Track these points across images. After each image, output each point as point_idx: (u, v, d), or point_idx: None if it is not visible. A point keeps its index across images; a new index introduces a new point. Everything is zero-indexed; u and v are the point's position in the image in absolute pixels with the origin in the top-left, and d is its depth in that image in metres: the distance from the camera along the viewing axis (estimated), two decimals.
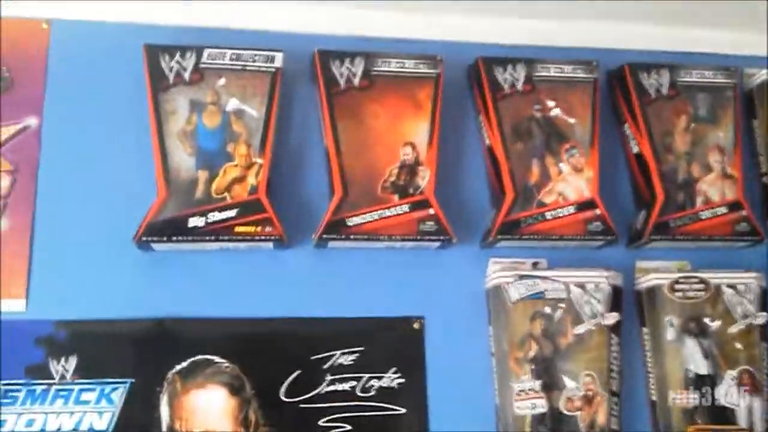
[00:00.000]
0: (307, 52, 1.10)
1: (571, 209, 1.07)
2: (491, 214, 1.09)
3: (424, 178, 1.06)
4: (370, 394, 1.01)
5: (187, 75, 1.04)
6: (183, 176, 1.01)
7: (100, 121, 1.07)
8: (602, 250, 1.11)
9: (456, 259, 1.08)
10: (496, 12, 1.18)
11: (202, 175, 1.02)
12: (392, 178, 1.05)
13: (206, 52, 1.06)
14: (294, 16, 1.14)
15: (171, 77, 1.04)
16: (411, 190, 1.05)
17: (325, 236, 1.01)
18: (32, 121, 1.06)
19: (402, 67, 1.10)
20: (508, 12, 1.18)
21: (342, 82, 1.08)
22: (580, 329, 1.01)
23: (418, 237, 1.03)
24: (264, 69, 1.07)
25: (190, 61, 1.05)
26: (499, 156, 1.08)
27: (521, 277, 1.02)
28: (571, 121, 1.12)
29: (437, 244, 1.05)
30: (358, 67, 1.09)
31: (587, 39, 1.21)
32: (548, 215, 1.06)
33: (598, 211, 1.07)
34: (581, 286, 1.03)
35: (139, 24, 1.10)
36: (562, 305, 1.02)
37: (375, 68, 1.09)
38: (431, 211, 1.04)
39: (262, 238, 1.00)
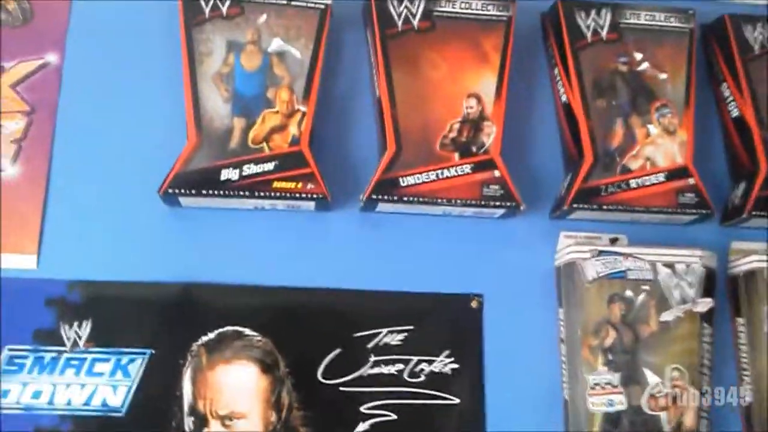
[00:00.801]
0: None
1: (661, 177, 0.93)
2: (565, 180, 0.95)
3: (490, 135, 0.92)
4: (419, 379, 0.88)
5: (224, 9, 0.93)
6: (217, 123, 0.89)
7: (128, 60, 0.96)
8: (690, 227, 0.97)
9: (522, 230, 0.95)
10: None
11: (239, 123, 0.90)
12: (453, 134, 0.92)
13: None
14: None
15: (207, 11, 0.92)
16: (474, 149, 0.92)
17: (374, 197, 0.88)
18: (53, 58, 0.95)
19: (468, 8, 0.96)
20: None
21: (399, 23, 0.95)
22: (668, 316, 0.87)
23: (481, 202, 0.90)
24: (312, 5, 0.94)
25: None
26: (577, 114, 0.94)
27: (600, 252, 0.89)
28: (662, 76, 0.97)
29: (501, 211, 0.92)
30: (418, 5, 0.95)
31: None
32: (633, 183, 0.92)
33: (692, 181, 0.93)
34: (670, 266, 0.88)
35: None
36: (646, 288, 0.88)
37: (437, 8, 0.96)
38: (497, 173, 0.91)
39: (303, 195, 0.88)
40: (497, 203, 0.90)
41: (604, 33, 0.97)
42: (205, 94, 0.90)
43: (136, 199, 0.89)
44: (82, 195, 0.90)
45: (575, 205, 0.91)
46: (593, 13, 0.98)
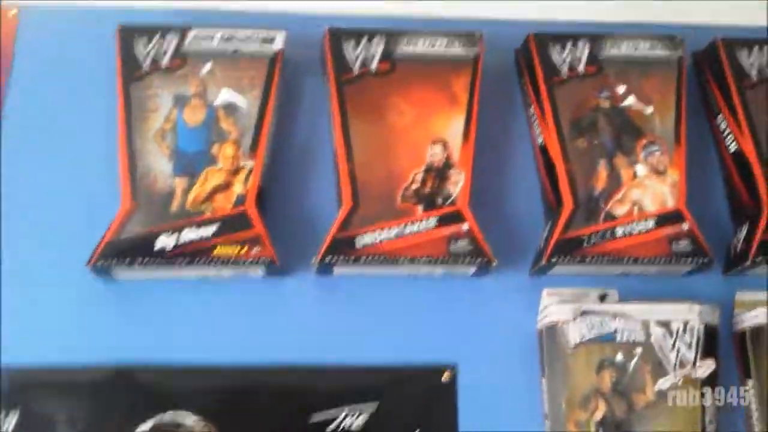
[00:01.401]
0: (318, 34, 0.89)
1: (651, 223, 0.82)
2: (544, 231, 0.85)
3: (457, 184, 0.83)
4: None
5: (165, 61, 0.85)
6: (158, 185, 0.81)
7: (67, 122, 0.88)
8: (689, 278, 0.86)
9: (498, 289, 0.85)
10: None
11: (180, 184, 0.82)
12: (416, 185, 0.83)
13: (191, 34, 0.87)
14: None
15: (146, 64, 0.85)
16: (440, 200, 0.82)
17: (328, 259, 0.79)
18: None
19: (432, 47, 0.88)
20: None
21: (356, 67, 0.87)
22: (665, 383, 0.76)
23: (449, 259, 0.80)
24: (261, 53, 0.87)
25: (170, 45, 0.86)
26: (554, 155, 0.84)
27: (584, 312, 0.78)
28: (648, 110, 0.87)
29: (473, 269, 0.81)
30: (377, 47, 0.87)
31: (664, 14, 0.97)
32: (619, 231, 0.82)
33: (686, 226, 0.82)
34: (665, 324, 0.78)
35: (121, 8, 0.93)
36: (639, 351, 0.77)
37: (398, 49, 0.87)
38: (465, 226, 0.81)
39: (249, 261, 0.78)
40: (466, 260, 0.80)
41: (581, 67, 0.88)
42: (144, 153, 0.83)
43: (69, 275, 0.80)
44: (11, 271, 0.81)
45: (554, 259, 0.81)
46: (569, 46, 0.89)
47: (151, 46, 0.86)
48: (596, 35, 0.90)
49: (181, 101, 0.85)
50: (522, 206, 0.89)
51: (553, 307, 0.79)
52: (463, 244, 0.80)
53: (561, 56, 0.88)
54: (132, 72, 0.85)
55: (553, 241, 0.81)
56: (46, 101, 0.89)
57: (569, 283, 0.83)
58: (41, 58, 0.91)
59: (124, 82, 0.85)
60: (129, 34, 0.86)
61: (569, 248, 0.81)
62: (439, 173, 0.83)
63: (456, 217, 0.81)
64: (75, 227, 0.82)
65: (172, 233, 0.79)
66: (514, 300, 0.84)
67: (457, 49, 0.88)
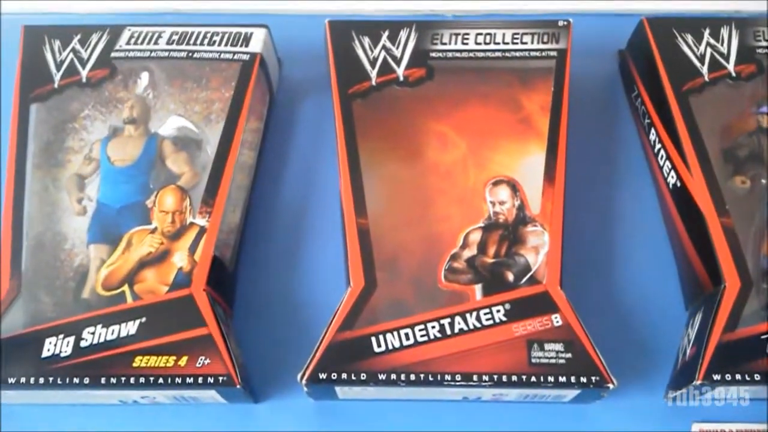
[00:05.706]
0: (321, 35, 0.60)
1: None
2: (690, 326, 0.51)
3: (539, 250, 0.50)
4: None
5: (85, 71, 0.57)
6: (62, 258, 0.52)
7: None
8: None
9: (611, 420, 0.51)
10: None
11: (98, 254, 0.52)
12: (469, 252, 0.50)
13: (126, 33, 0.59)
14: None
15: (57, 77, 0.58)
16: (511, 276, 0.49)
17: (324, 375, 0.46)
18: None
19: (489, 44, 0.57)
20: None
21: (373, 73, 0.56)
22: None
23: (530, 378, 0.46)
24: (230, 57, 0.57)
25: (95, 49, 0.59)
26: (701, 205, 0.51)
27: None
28: None
29: (574, 392, 0.48)
30: (406, 45, 0.57)
31: None
32: None
33: None
34: None
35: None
36: None
37: (436, 47, 0.57)
38: (557, 319, 0.48)
39: (191, 380, 0.46)
40: (560, 378, 0.46)
41: (730, 64, 0.56)
42: (45, 207, 0.54)
43: None
44: None
45: (716, 377, 0.46)
46: (707, 33, 0.57)
47: (67, 52, 0.59)
48: (747, 19, 0.58)
49: (112, 132, 0.56)
50: (642, 282, 0.55)
51: None
52: (553, 350, 0.47)
53: (696, 49, 0.56)
54: (35, 87, 0.58)
55: (711, 348, 0.47)
56: None
57: (730, 413, 0.50)
58: None
59: (21, 102, 0.58)
60: (37, 37, 0.61)
61: (739, 358, 0.47)
62: (509, 232, 0.51)
63: (541, 304, 0.48)
64: None
65: (68, 335, 0.48)
66: None
67: (530, 45, 0.57)
